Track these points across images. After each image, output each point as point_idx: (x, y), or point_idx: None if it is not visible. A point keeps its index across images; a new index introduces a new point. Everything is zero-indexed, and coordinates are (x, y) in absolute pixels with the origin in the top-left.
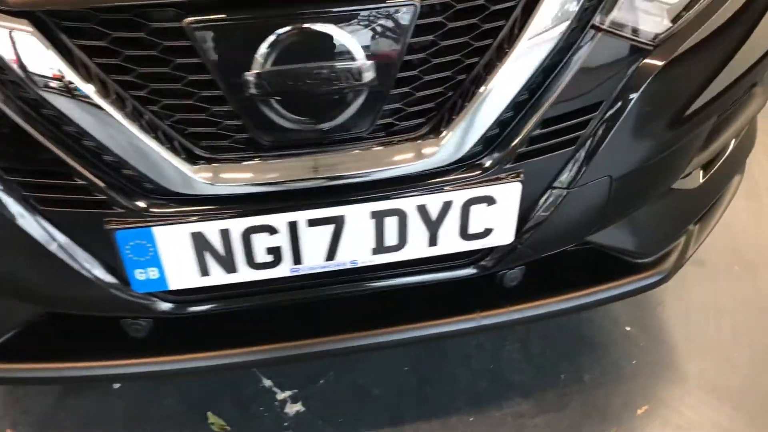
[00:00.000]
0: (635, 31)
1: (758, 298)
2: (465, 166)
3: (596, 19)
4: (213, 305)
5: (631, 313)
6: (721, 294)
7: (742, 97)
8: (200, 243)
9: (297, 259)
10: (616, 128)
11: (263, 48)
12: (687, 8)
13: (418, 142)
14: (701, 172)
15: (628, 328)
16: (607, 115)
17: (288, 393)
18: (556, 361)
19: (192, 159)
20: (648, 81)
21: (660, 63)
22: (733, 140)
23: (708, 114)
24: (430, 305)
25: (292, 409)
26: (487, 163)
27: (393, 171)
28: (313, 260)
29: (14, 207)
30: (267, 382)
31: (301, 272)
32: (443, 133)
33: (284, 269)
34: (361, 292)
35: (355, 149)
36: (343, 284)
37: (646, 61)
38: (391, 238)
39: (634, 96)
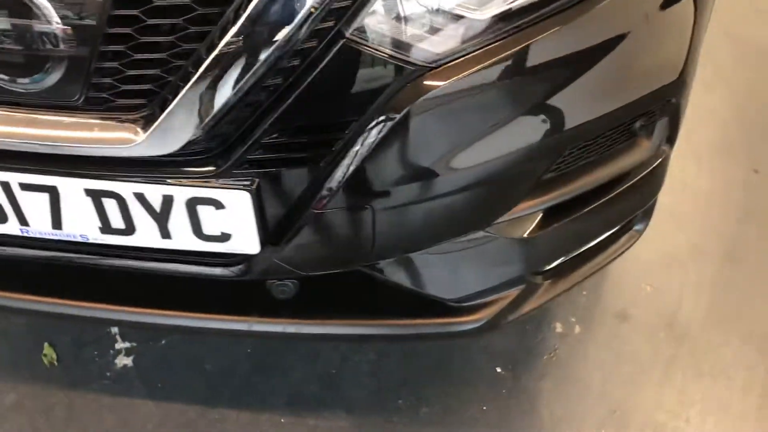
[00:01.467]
0: (400, 46)
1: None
2: (187, 162)
3: (345, 25)
4: None
5: (514, 354)
6: (642, 356)
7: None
8: None
9: (23, 221)
10: (371, 154)
11: None
12: (483, 31)
13: (133, 124)
14: (538, 221)
15: (499, 369)
16: (361, 137)
17: (126, 345)
18: (401, 384)
19: None
20: (415, 107)
21: (432, 88)
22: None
23: (508, 161)
24: (208, 299)
25: (121, 361)
26: (213, 164)
27: (103, 150)
28: (40, 226)
29: None
30: (114, 329)
31: (33, 234)
32: (157, 120)
33: (13, 228)
34: (109, 268)
35: (66, 118)
36: (90, 256)
37: (416, 80)
38: (116, 220)
39: (393, 120)
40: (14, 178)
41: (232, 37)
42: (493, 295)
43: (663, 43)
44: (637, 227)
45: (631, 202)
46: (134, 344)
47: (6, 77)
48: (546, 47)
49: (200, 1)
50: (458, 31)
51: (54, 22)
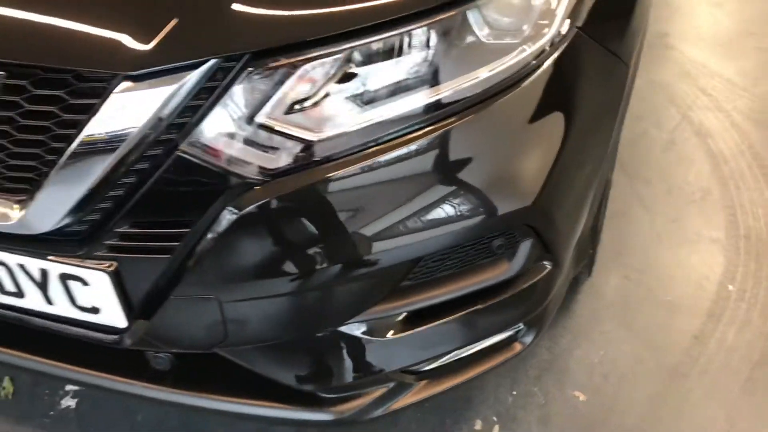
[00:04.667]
0: (231, 161)
1: None
2: (58, 241)
3: (180, 139)
4: None
5: None
6: None
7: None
8: None
9: None
10: (212, 252)
11: None
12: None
13: (10, 204)
14: (401, 322)
15: None
16: (200, 236)
17: (74, 387)
18: None
19: None
20: (244, 215)
21: (266, 198)
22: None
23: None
24: (102, 357)
25: (66, 402)
26: (79, 246)
27: None
28: None
29: None
30: None
31: None
32: (27, 200)
33: None
34: (16, 323)
35: None
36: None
37: (250, 192)
38: (8, 285)
39: (227, 225)
40: None
41: (82, 139)
42: (358, 390)
43: (507, 170)
44: (523, 339)
45: (510, 315)
46: (81, 388)
47: None
48: (377, 170)
49: (64, 109)
50: (293, 151)
51: None
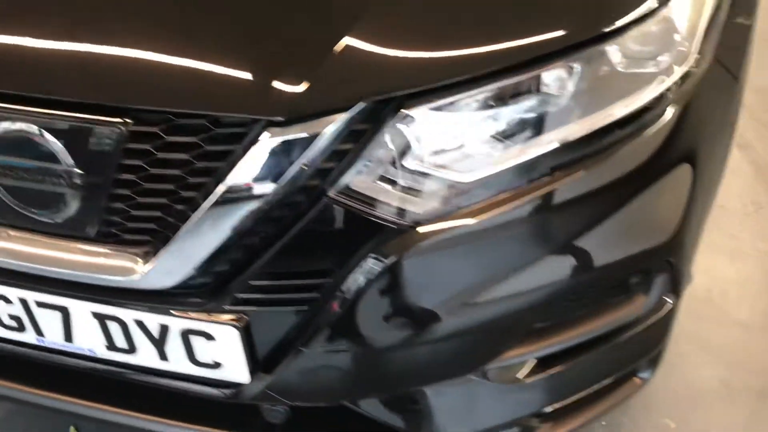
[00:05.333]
0: (384, 207)
1: None
2: (183, 295)
3: (331, 184)
4: None
5: None
6: None
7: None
8: None
9: (39, 332)
10: (354, 301)
11: None
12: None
13: (131, 259)
14: (530, 366)
15: None
16: (344, 285)
17: None
18: None
19: None
20: (393, 263)
21: (414, 245)
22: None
23: (489, 312)
24: (205, 412)
25: None
26: (206, 300)
27: (107, 280)
28: (53, 337)
29: None
30: None
31: (48, 345)
32: (154, 256)
33: (30, 337)
34: (116, 378)
35: (73, 247)
36: (97, 365)
37: (397, 238)
38: (119, 341)
39: (374, 274)
40: (32, 296)
41: (224, 188)
42: None
43: (651, 209)
44: (642, 375)
45: (633, 351)
46: None
47: (29, 209)
48: (526, 210)
49: (198, 156)
50: (442, 194)
51: (70, 165)
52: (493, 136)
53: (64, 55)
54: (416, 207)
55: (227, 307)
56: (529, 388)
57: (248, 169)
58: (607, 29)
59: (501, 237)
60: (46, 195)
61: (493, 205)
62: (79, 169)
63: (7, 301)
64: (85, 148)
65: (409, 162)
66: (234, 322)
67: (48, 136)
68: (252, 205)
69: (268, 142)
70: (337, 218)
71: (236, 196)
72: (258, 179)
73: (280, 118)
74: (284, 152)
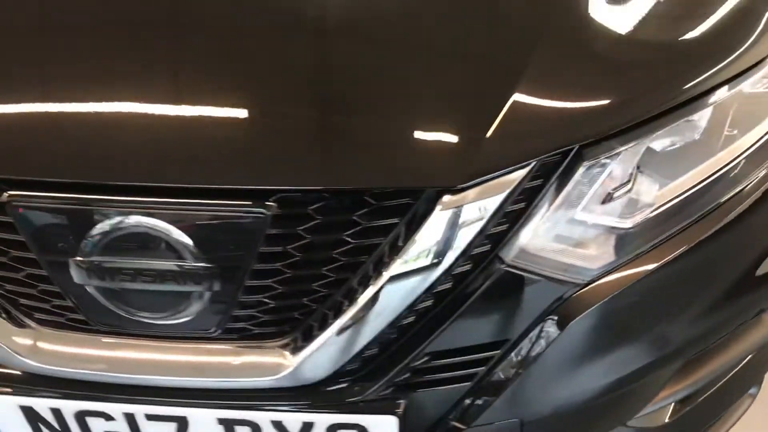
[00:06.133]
0: (557, 266)
1: None
2: (329, 387)
3: (504, 250)
4: None
5: None
6: None
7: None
8: (32, 417)
9: None
10: (526, 369)
11: (91, 236)
12: (637, 241)
13: (272, 354)
14: (671, 407)
15: None
16: (516, 354)
17: None
18: None
19: (22, 333)
20: (572, 323)
21: (595, 300)
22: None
23: (665, 359)
24: None
25: None
26: (357, 389)
27: (241, 382)
28: None
29: None
30: None
31: None
32: (302, 350)
33: None
34: None
35: (200, 350)
36: None
37: (576, 297)
38: None
39: (551, 338)
40: (140, 410)
41: (394, 265)
42: None
43: None
44: (751, 391)
45: (757, 371)
46: None
47: (139, 312)
48: (697, 248)
49: (355, 234)
50: (611, 243)
51: (198, 262)
52: (651, 178)
53: (200, 139)
54: (590, 262)
55: (383, 394)
56: (671, 428)
57: (419, 244)
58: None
59: (672, 278)
60: (164, 296)
61: (661, 248)
62: (209, 263)
63: (108, 418)
64: (218, 240)
65: (580, 214)
66: (393, 410)
67: (173, 229)
68: (423, 282)
69: (441, 212)
70: (512, 285)
71: (406, 273)
72: (430, 253)
73: (454, 186)
74: (458, 221)
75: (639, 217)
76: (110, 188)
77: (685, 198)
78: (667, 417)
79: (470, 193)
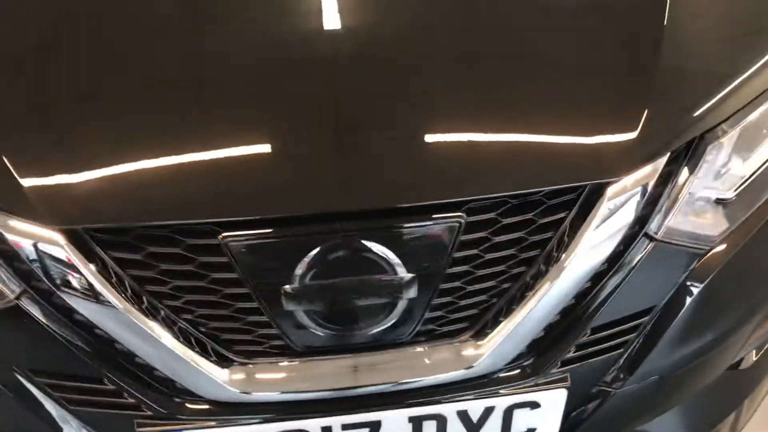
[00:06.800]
0: (690, 236)
1: None
2: (509, 372)
3: (650, 228)
4: None
5: None
6: None
7: None
8: None
9: None
10: (669, 331)
11: (301, 265)
12: (746, 208)
13: (461, 349)
14: (754, 351)
15: None
16: (659, 318)
17: None
18: None
19: (225, 365)
20: (703, 285)
21: (716, 264)
22: None
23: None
24: None
25: None
26: (532, 370)
27: (433, 379)
28: None
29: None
30: None
31: None
32: (486, 340)
33: None
34: None
35: (394, 355)
36: None
37: (703, 263)
38: None
39: (688, 300)
40: (337, 421)
41: (568, 257)
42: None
43: None
44: None
45: None
46: None
47: (347, 330)
48: None
49: (531, 232)
50: (724, 213)
51: (402, 273)
52: (735, 151)
53: (392, 163)
54: (712, 230)
55: (553, 371)
56: (751, 371)
57: (591, 233)
58: None
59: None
60: (366, 310)
61: (756, 213)
62: (411, 272)
63: None
64: (420, 251)
65: (703, 191)
66: (563, 383)
67: (379, 247)
68: (592, 269)
69: (607, 203)
70: (658, 258)
71: (580, 262)
72: (598, 241)
73: (618, 178)
74: (621, 208)
75: (739, 188)
76: (314, 218)
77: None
78: (753, 358)
79: (628, 183)
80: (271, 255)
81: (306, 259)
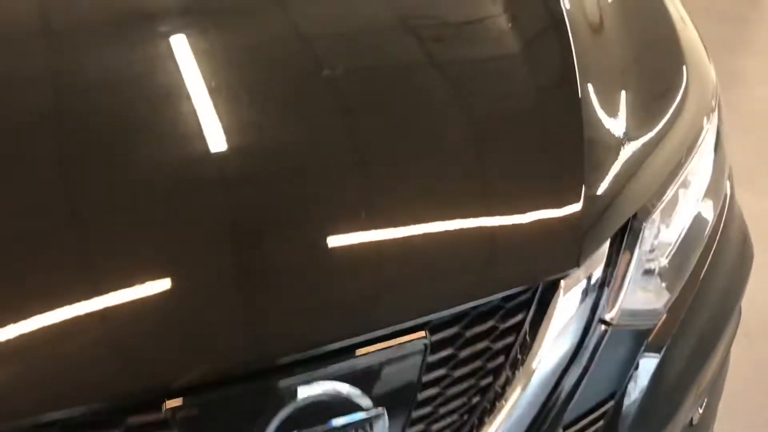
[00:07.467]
0: (641, 314)
1: None
2: None
3: (603, 314)
4: None
5: None
6: None
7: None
8: None
9: None
10: (634, 411)
11: (266, 418)
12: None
13: None
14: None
15: None
16: (621, 400)
17: None
18: None
19: None
20: (660, 357)
21: (667, 334)
22: None
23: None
24: None
25: None
26: None
27: None
28: None
29: None
30: None
31: None
32: None
33: None
34: None
35: None
36: None
37: (654, 336)
38: None
39: (647, 376)
40: None
41: (537, 360)
42: None
43: None
44: None
45: None
46: None
47: None
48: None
49: (495, 338)
50: (664, 283)
51: (370, 407)
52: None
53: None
54: (657, 302)
55: None
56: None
57: (553, 331)
58: None
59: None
60: None
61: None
62: (379, 405)
63: None
64: (384, 381)
65: (647, 264)
66: None
67: (343, 387)
68: (559, 366)
69: (563, 297)
70: (615, 342)
71: (547, 361)
72: (560, 336)
73: (573, 270)
74: (577, 299)
75: (669, 254)
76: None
77: (685, 234)
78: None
79: (580, 273)
80: (221, 418)
81: (267, 414)
